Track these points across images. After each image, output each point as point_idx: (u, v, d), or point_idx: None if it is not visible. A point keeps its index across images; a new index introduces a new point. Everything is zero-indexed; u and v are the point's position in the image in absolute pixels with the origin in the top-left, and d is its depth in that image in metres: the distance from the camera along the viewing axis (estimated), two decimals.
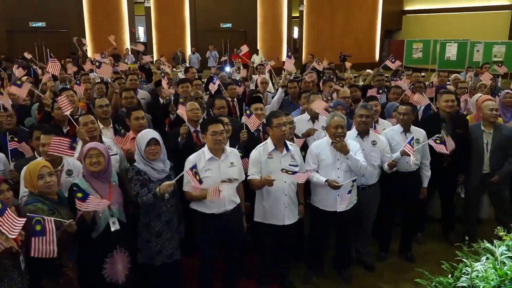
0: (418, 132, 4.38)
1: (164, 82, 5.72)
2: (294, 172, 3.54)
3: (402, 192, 4.39)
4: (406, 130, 4.36)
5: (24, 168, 3.29)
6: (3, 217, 2.41)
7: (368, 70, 8.52)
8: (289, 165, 3.76)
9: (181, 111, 4.39)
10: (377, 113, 4.76)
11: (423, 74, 8.84)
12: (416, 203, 4.53)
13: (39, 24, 16.07)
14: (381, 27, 22.14)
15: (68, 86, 6.37)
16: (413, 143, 3.97)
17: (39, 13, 15.82)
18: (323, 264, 4.33)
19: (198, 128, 4.40)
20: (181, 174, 3.25)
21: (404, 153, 4.00)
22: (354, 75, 7.99)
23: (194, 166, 3.19)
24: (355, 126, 4.28)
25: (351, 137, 4.14)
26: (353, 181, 3.84)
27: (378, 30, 22.20)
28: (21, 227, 2.45)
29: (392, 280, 4.28)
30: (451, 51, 18.71)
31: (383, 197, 4.36)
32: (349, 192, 3.74)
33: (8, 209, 2.45)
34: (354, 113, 4.28)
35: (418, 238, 4.95)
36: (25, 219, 2.49)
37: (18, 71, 6.86)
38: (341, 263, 4.30)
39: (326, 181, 3.76)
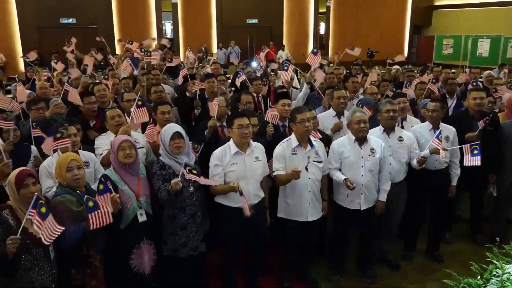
0: (447, 129, 4.28)
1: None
2: None
3: (430, 190, 4.30)
4: (435, 127, 4.26)
5: (44, 163, 3.40)
6: (45, 221, 2.50)
7: (396, 66, 8.37)
8: (313, 161, 3.73)
9: (213, 106, 4.38)
10: (405, 110, 4.66)
11: (453, 70, 8.62)
12: (444, 202, 4.42)
13: (69, 20, 16.48)
14: (410, 22, 21.67)
15: (98, 80, 6.50)
16: (440, 137, 3.88)
17: (69, 9, 16.26)
18: (345, 262, 4.29)
19: (224, 123, 4.43)
20: (181, 172, 3.20)
21: (433, 152, 3.91)
22: (382, 71, 7.83)
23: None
24: (380, 123, 4.20)
25: (376, 134, 4.08)
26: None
27: (407, 26, 21.72)
28: (57, 235, 2.55)
29: (418, 280, 4.19)
30: (484, 47, 18.14)
31: (410, 195, 4.28)
32: None
33: (51, 214, 2.54)
34: (379, 110, 4.20)
35: (445, 238, 4.84)
36: (64, 228, 2.59)
37: (58, 66, 7.03)
38: (364, 262, 4.24)
39: (344, 179, 3.72)
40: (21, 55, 14.97)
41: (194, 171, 3.15)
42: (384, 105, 4.14)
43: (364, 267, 4.23)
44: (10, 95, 7.29)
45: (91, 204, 2.72)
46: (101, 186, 2.87)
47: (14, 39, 15.65)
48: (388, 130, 4.13)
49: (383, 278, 4.22)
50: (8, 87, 8.56)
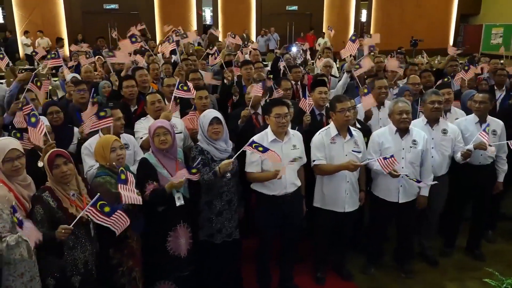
0: (495, 123, 4.09)
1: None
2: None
3: (473, 186, 4.13)
4: (482, 120, 4.07)
5: (86, 143, 3.49)
6: (111, 217, 2.63)
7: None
8: (352, 151, 3.66)
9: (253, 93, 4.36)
10: (449, 101, 4.48)
11: (502, 61, 8.18)
12: (488, 198, 4.24)
13: (112, 6, 16.82)
14: (457, 10, 20.75)
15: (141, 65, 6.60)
16: (487, 130, 3.72)
17: None
18: (383, 255, 4.21)
19: (258, 110, 4.41)
20: (239, 152, 3.25)
21: (478, 147, 3.74)
22: (426, 61, 7.53)
23: (253, 142, 3.17)
24: (424, 114, 4.06)
25: (419, 126, 3.95)
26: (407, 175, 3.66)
27: (453, 14, 20.83)
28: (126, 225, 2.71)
29: (457, 278, 4.07)
30: None
31: (452, 190, 4.14)
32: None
33: (119, 210, 2.67)
34: (423, 100, 4.05)
35: (488, 236, 4.65)
36: (130, 221, 2.73)
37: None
38: (402, 256, 4.15)
39: None
40: (67, 40, 15.53)
41: (260, 148, 3.13)
42: (429, 95, 3.98)
43: (401, 261, 4.14)
44: (57, 78, 7.55)
45: (123, 176, 2.80)
46: (123, 176, 2.88)
47: (60, 24, 16.17)
48: (432, 121, 3.98)
49: (421, 273, 4.12)
50: (54, 71, 8.86)
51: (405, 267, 4.10)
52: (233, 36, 7.88)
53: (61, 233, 2.53)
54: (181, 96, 4.16)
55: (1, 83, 7.52)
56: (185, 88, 4.10)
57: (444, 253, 4.40)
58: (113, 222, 2.65)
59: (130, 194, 2.79)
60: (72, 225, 2.56)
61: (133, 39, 5.98)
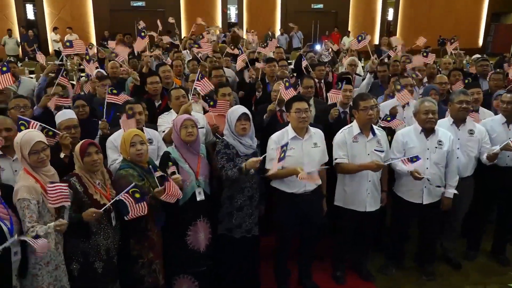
0: None
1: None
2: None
3: (500, 188, 4.03)
4: (509, 121, 3.96)
5: (110, 137, 3.57)
6: (137, 204, 2.78)
7: (477, 55, 7.81)
8: (375, 150, 3.62)
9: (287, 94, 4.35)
10: (478, 101, 4.36)
11: None
12: None
13: (139, 3, 17.07)
14: (487, 9, 20.18)
15: (165, 61, 6.67)
16: None
17: None
18: (404, 256, 4.15)
19: (283, 108, 4.38)
20: (260, 158, 3.24)
21: (505, 148, 3.64)
22: (453, 60, 7.35)
23: (286, 145, 3.14)
24: (450, 114, 3.97)
25: (445, 126, 3.87)
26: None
27: (484, 13, 20.27)
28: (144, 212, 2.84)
29: (480, 282, 3.98)
30: None
31: (477, 192, 4.04)
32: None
33: (144, 201, 2.81)
34: (451, 99, 3.97)
35: None
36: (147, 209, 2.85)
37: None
38: (423, 258, 4.08)
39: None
40: (94, 37, 15.86)
41: (282, 154, 3.08)
42: (457, 95, 3.89)
43: (423, 263, 4.07)
44: (84, 74, 7.71)
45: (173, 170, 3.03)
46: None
47: (88, 21, 16.52)
48: (458, 122, 3.90)
49: (443, 276, 4.04)
50: (81, 66, 9.05)
51: (427, 269, 4.03)
52: (253, 33, 7.85)
53: (89, 215, 2.67)
54: (199, 87, 4.20)
55: (31, 77, 7.74)
56: (114, 91, 4.11)
57: (467, 256, 4.31)
58: (134, 208, 2.78)
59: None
60: (102, 209, 2.71)
61: (142, 33, 5.99)
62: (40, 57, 5.61)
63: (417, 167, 3.42)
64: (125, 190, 2.73)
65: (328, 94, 4.35)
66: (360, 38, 5.93)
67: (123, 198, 2.72)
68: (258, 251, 3.73)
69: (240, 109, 3.44)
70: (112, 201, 2.77)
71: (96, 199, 2.84)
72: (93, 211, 2.67)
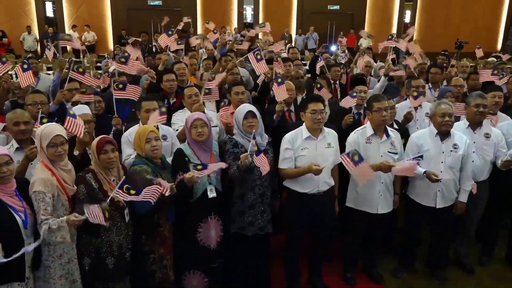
0: None
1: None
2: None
3: None
4: None
5: (125, 133, 3.61)
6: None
7: (492, 59, 7.70)
8: (388, 152, 3.59)
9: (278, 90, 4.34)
10: (498, 105, 4.28)
11: None
12: None
13: (156, 2, 17.22)
14: (507, 13, 19.84)
15: (180, 59, 6.70)
16: None
17: None
18: (415, 260, 4.11)
19: (291, 108, 4.45)
20: (250, 146, 3.20)
21: None
22: (471, 64, 7.26)
23: (195, 164, 3.07)
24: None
25: (460, 129, 3.82)
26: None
27: (503, 16, 19.93)
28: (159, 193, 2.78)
29: None
30: None
31: (492, 196, 3.98)
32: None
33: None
34: (467, 103, 3.91)
35: None
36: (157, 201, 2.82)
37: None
38: (436, 262, 4.03)
39: (424, 172, 3.51)
40: (111, 35, 16.06)
41: (199, 167, 3.03)
42: (474, 98, 3.84)
43: (435, 267, 4.02)
44: (101, 71, 7.81)
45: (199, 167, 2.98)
46: (199, 167, 3.00)
47: (106, 19, 16.72)
48: (474, 125, 3.85)
49: (455, 281, 3.99)
50: (99, 64, 9.17)
51: (439, 274, 3.98)
52: (263, 25, 7.80)
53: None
54: (210, 87, 4.21)
55: (48, 74, 7.87)
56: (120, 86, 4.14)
57: (481, 262, 4.25)
58: (143, 196, 2.74)
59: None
60: (106, 202, 2.67)
61: (169, 32, 6.03)
62: (49, 54, 5.69)
63: (414, 165, 3.34)
64: (117, 186, 2.68)
65: (341, 102, 4.32)
66: (390, 37, 5.85)
67: (117, 195, 2.67)
68: (270, 249, 3.72)
69: (245, 107, 3.44)
70: (108, 198, 2.70)
71: (109, 196, 2.80)
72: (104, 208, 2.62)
